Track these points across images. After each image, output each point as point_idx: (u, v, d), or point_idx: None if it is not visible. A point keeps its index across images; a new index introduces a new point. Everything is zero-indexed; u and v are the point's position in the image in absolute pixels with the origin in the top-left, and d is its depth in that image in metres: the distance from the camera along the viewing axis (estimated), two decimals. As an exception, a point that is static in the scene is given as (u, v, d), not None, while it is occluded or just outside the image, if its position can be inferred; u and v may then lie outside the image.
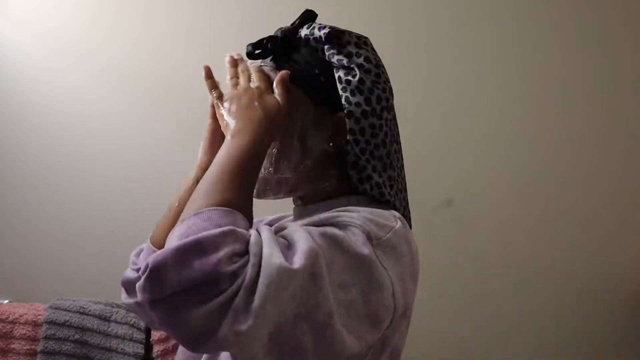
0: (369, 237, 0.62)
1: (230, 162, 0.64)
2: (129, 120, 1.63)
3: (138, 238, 1.63)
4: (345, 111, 0.74)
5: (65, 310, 1.48)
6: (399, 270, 0.65)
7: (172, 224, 0.65)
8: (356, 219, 0.64)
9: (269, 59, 0.78)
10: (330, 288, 0.57)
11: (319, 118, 0.75)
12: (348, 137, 0.74)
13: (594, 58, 1.72)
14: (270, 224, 0.80)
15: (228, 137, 0.68)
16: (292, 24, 0.80)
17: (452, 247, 1.69)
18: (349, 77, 0.75)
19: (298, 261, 0.55)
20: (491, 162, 1.71)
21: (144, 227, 1.61)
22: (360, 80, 0.75)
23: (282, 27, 0.80)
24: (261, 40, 0.78)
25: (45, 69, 1.65)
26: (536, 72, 1.72)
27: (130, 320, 1.47)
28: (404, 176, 0.83)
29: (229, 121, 0.69)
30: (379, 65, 0.79)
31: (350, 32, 0.78)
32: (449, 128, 1.71)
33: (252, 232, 0.57)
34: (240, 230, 0.56)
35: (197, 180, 0.73)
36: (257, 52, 0.77)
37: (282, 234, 0.61)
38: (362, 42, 0.78)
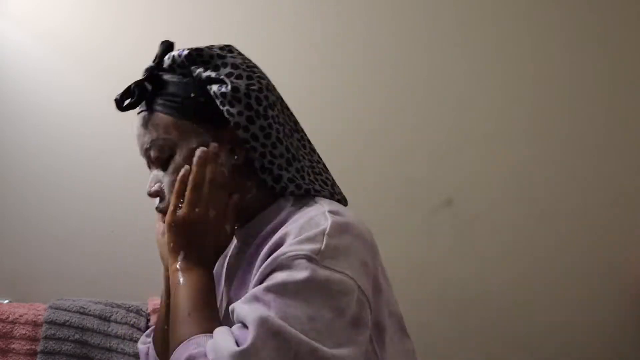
0: (311, 259, 0.64)
1: (194, 298, 0.70)
2: (129, 121, 1.63)
3: (138, 238, 1.64)
4: (232, 123, 0.74)
5: (65, 310, 1.48)
6: (354, 260, 0.67)
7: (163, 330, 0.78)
8: (292, 248, 0.65)
9: (141, 105, 0.78)
10: (299, 330, 0.59)
11: (215, 138, 0.75)
12: (245, 146, 0.75)
13: (594, 58, 1.72)
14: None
15: (179, 266, 0.73)
16: (153, 61, 0.80)
17: (452, 247, 1.69)
18: (223, 89, 0.74)
19: (249, 337, 0.58)
20: (491, 162, 1.71)
21: (144, 227, 1.63)
22: (234, 89, 0.74)
23: (146, 67, 0.80)
24: (127, 89, 0.78)
25: (45, 69, 1.65)
26: (536, 72, 1.72)
27: (130, 320, 1.47)
28: (318, 158, 0.84)
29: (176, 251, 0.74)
30: (248, 66, 0.78)
31: (210, 47, 0.78)
32: (449, 128, 1.71)
33: (209, 342, 0.63)
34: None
35: (168, 298, 0.77)
36: (127, 102, 0.77)
37: (235, 316, 0.64)
38: (225, 51, 0.78)
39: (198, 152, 0.74)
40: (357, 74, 1.71)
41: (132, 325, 1.46)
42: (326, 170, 0.84)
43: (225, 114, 0.74)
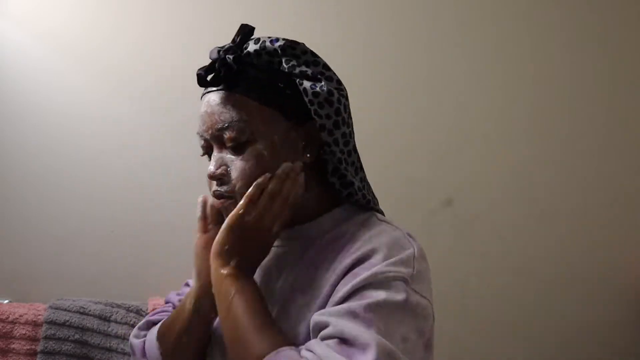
0: (407, 282, 0.67)
1: (260, 309, 0.69)
2: (129, 120, 1.63)
3: (138, 238, 1.64)
4: (317, 124, 0.73)
5: (65, 310, 1.48)
6: (429, 286, 0.73)
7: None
8: (390, 269, 0.67)
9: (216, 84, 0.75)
10: (398, 349, 0.62)
11: (290, 130, 0.74)
12: (324, 148, 0.75)
13: (594, 58, 1.72)
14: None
15: (231, 272, 0.71)
16: (232, 42, 0.77)
17: (452, 247, 1.69)
18: (317, 89, 0.73)
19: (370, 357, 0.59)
20: (491, 162, 1.71)
21: (144, 227, 1.63)
22: (329, 92, 0.73)
23: (220, 47, 0.77)
24: (212, 65, 0.75)
25: (45, 69, 1.65)
26: (536, 72, 1.73)
27: (130, 321, 1.47)
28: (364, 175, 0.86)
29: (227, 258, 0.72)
30: (334, 72, 0.78)
31: (303, 43, 0.76)
32: (449, 128, 1.71)
33: (307, 355, 0.62)
34: None
35: (198, 312, 0.77)
36: (209, 77, 0.75)
37: (326, 331, 0.63)
38: (314, 52, 0.77)
39: (284, 167, 0.72)
40: (357, 74, 1.71)
41: (132, 325, 1.46)
42: (368, 182, 0.85)
43: (313, 113, 0.73)
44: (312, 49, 0.77)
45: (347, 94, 0.78)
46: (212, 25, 1.68)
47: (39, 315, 1.48)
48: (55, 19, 1.66)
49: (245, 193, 0.71)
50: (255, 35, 0.78)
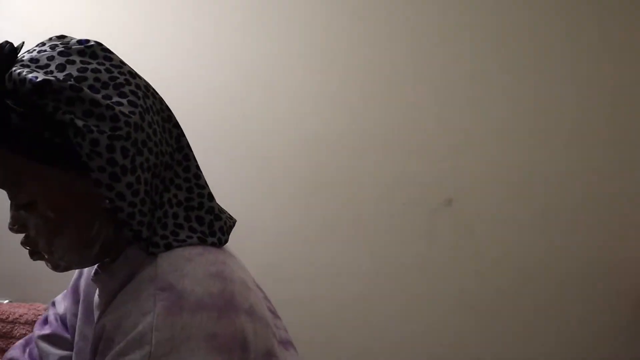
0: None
1: None
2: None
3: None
4: (93, 179, 0.61)
5: (65, 310, 1.48)
6: (196, 342, 0.56)
7: None
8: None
9: None
10: None
11: (74, 182, 0.62)
12: (106, 202, 0.64)
13: (596, 57, 1.72)
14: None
15: None
16: None
17: (452, 247, 1.70)
18: (78, 139, 0.59)
19: None
20: (491, 162, 1.71)
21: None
22: (93, 142, 0.59)
23: None
24: None
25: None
26: (537, 71, 1.72)
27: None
28: (205, 183, 0.72)
29: None
30: (116, 88, 0.63)
31: (69, 74, 0.61)
32: (449, 128, 1.71)
33: None
34: None
35: None
36: None
37: None
38: (74, 84, 0.59)
39: (59, 206, 0.62)
40: (357, 74, 1.71)
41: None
42: (211, 199, 0.71)
43: (85, 165, 0.60)
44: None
45: (136, 122, 0.62)
46: (212, 25, 1.68)
47: (39, 315, 1.48)
48: (55, 19, 1.66)
49: (47, 250, 0.65)
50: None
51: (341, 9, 1.72)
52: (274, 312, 0.76)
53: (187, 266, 0.63)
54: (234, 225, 0.74)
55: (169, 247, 0.65)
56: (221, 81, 1.67)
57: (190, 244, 0.66)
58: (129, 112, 0.62)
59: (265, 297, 0.77)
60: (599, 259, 1.71)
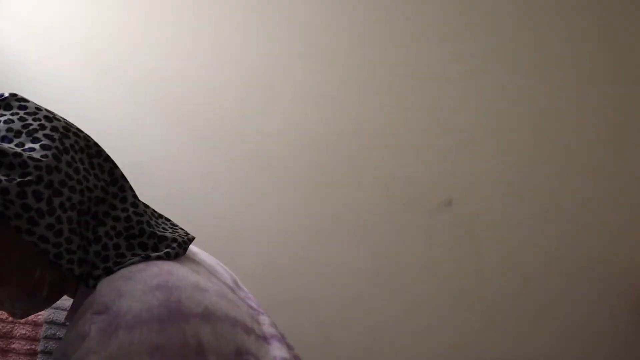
0: None
1: None
2: (129, 120, 1.63)
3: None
4: (12, 226, 0.61)
5: (65, 310, 1.48)
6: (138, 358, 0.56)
7: None
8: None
9: None
10: None
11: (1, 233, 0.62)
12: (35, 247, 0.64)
13: (597, 57, 1.72)
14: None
15: None
16: None
17: (452, 247, 1.70)
18: None
19: None
20: (491, 162, 1.71)
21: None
22: (3, 191, 0.59)
23: None
24: None
25: (45, 69, 1.65)
26: (537, 71, 1.73)
27: (131, 320, 1.47)
28: (143, 210, 0.72)
29: None
30: (27, 135, 0.64)
31: None
32: (449, 128, 1.71)
33: None
34: None
35: None
36: None
37: None
38: None
39: None
40: (357, 74, 1.71)
41: (132, 325, 1.46)
42: (150, 225, 0.71)
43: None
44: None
45: (50, 163, 0.62)
46: (213, 24, 1.68)
47: (39, 315, 1.48)
48: (55, 19, 1.66)
49: None
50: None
51: (341, 9, 1.72)
52: (255, 308, 0.76)
53: (126, 285, 0.62)
54: (190, 241, 0.75)
55: (109, 272, 0.65)
56: (221, 81, 1.67)
57: (132, 263, 0.66)
58: (41, 156, 0.62)
59: (248, 297, 0.77)
60: (599, 259, 1.71)
